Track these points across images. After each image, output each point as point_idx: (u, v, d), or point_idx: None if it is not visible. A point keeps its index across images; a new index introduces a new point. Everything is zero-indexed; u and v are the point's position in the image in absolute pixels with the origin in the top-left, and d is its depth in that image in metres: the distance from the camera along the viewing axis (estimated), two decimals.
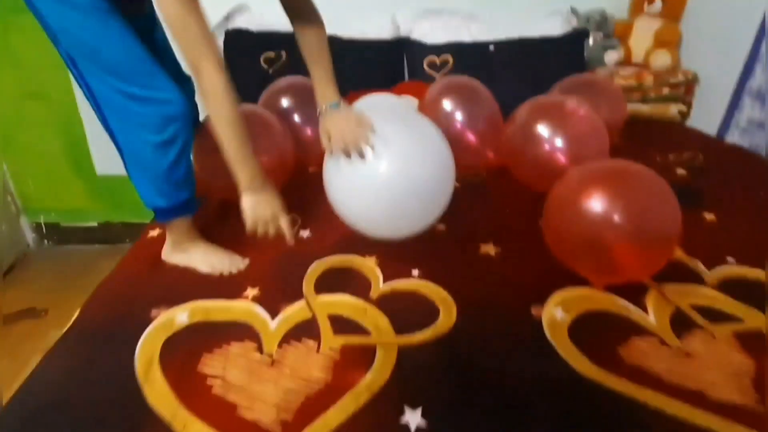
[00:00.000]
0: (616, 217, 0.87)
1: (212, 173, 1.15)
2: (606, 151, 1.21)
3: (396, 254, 1.06)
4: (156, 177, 0.98)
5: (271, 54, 1.74)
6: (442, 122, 1.43)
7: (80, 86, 0.94)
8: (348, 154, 0.91)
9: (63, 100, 1.94)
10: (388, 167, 0.89)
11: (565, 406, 0.70)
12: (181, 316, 0.87)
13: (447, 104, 1.45)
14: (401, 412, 0.67)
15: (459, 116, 1.44)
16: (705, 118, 1.81)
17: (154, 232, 1.16)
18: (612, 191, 0.89)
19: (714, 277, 0.97)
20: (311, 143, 1.49)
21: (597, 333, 0.84)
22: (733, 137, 1.66)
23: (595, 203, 0.89)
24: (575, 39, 1.83)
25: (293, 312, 0.88)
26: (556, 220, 0.96)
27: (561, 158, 1.18)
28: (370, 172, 0.90)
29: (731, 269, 0.99)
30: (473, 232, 1.15)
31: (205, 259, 1.04)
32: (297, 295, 0.93)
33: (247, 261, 1.05)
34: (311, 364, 0.75)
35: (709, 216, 1.19)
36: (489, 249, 1.08)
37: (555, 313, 0.88)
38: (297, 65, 1.63)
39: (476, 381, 0.74)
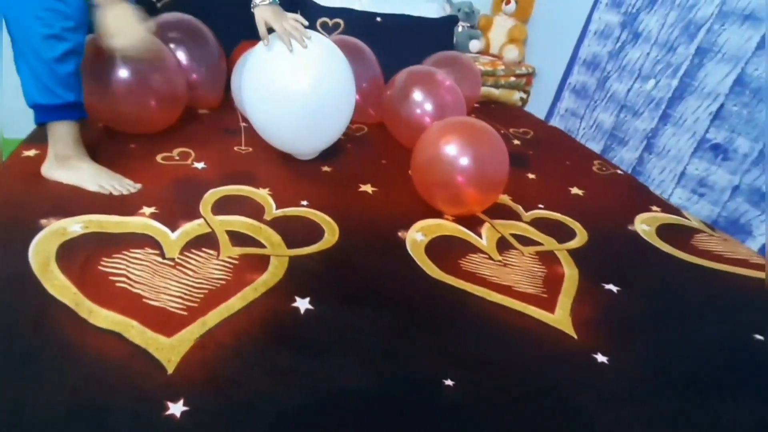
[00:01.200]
0: (463, 163, 1.12)
1: (100, 99, 1.13)
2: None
3: (287, 188, 1.19)
4: (41, 69, 0.94)
5: None
6: None
7: None
8: (290, 39, 1.11)
9: None
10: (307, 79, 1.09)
11: (418, 298, 0.93)
12: (74, 226, 0.88)
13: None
14: (293, 300, 0.82)
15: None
16: (538, 104, 2.25)
17: (30, 152, 1.10)
18: (462, 142, 1.14)
19: (529, 216, 1.31)
20: (200, 85, 1.50)
21: (445, 250, 1.09)
22: (555, 121, 2.11)
23: (449, 150, 1.13)
24: (447, 23, 2.10)
25: (192, 227, 0.96)
26: (419, 163, 1.18)
27: (428, 120, 1.42)
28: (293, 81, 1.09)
29: (541, 212, 1.34)
30: (355, 175, 1.33)
31: (93, 177, 1.03)
32: (194, 215, 1.00)
33: (139, 186, 1.07)
34: (212, 267, 0.85)
35: (532, 176, 1.55)
36: (367, 188, 1.27)
37: (416, 237, 1.11)
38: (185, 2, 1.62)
39: (353, 281, 0.93)
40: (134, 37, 1.02)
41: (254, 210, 1.07)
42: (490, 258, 1.10)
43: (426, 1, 2.19)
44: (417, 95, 1.46)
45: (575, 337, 0.87)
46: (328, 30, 1.86)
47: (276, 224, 1.04)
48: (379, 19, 1.93)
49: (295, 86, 1.11)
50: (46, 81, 0.94)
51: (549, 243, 1.20)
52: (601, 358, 0.83)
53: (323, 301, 0.84)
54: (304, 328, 0.77)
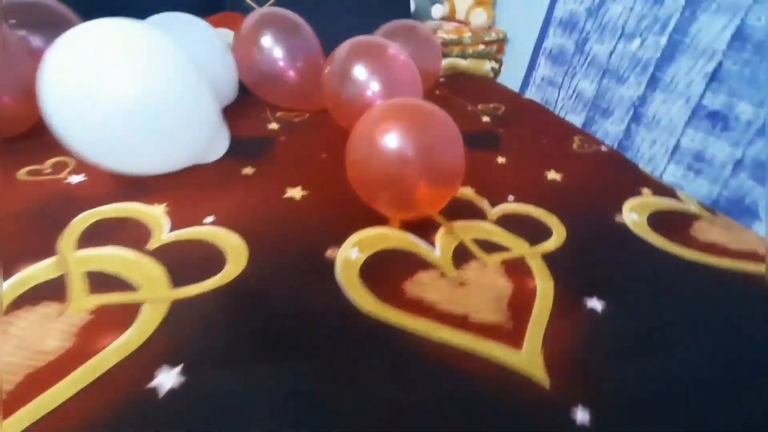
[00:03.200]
0: (409, 154, 0.89)
1: None
2: (419, 98, 1.24)
3: (190, 201, 0.95)
4: None
5: None
6: (258, 58, 1.32)
7: None
8: None
9: None
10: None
11: (341, 347, 0.71)
12: None
13: (265, 39, 1.34)
14: (151, 377, 0.60)
15: (278, 52, 1.35)
16: (512, 75, 2.00)
17: None
18: (403, 128, 0.91)
19: (495, 213, 1.08)
20: None
21: (386, 270, 0.87)
22: (531, 92, 1.87)
23: (389, 139, 0.89)
24: None
25: (36, 272, 0.72)
26: (355, 156, 0.95)
27: (376, 101, 1.18)
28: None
29: (510, 206, 1.12)
30: (283, 176, 1.09)
31: None
32: (48, 251, 0.77)
33: None
34: (47, 332, 0.63)
35: (501, 160, 1.32)
36: (295, 193, 1.04)
37: (350, 254, 0.88)
38: None
39: (252, 327, 0.70)
40: None
41: (137, 236, 0.84)
42: (444, 275, 0.88)
43: None
44: (360, 72, 1.21)
45: (547, 385, 0.66)
46: (259, 2, 1.59)
47: (162, 254, 0.81)
48: None
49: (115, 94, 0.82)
50: None
51: (518, 247, 0.98)
52: (581, 414, 0.62)
53: (201, 366, 0.62)
54: (167, 414, 0.55)
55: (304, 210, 0.99)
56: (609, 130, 1.51)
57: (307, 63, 1.38)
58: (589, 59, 1.57)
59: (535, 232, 1.02)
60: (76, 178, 0.95)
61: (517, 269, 0.91)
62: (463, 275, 0.88)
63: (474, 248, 0.95)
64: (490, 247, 0.97)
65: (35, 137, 1.02)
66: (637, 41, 1.41)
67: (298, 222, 0.95)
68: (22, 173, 0.95)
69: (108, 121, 0.78)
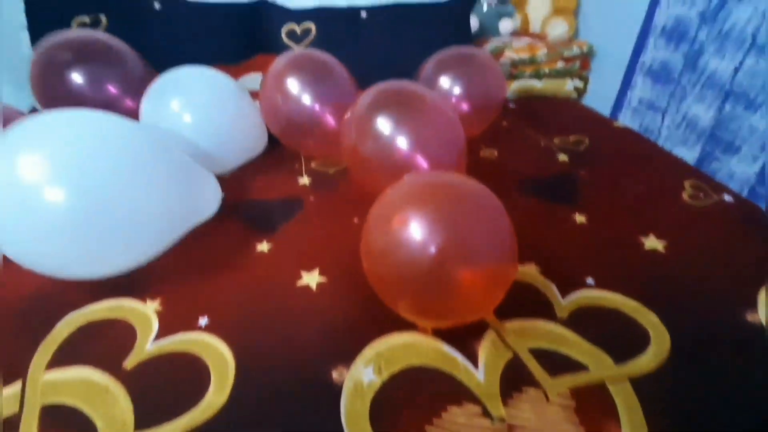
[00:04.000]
0: (437, 248, 0.67)
1: None
2: (461, 159, 1.00)
3: (189, 294, 0.82)
4: None
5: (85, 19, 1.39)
6: (285, 105, 1.19)
7: None
8: None
9: None
10: None
11: None
12: None
13: (292, 83, 1.20)
14: None
15: (307, 97, 1.19)
16: (601, 95, 1.67)
17: None
18: (433, 213, 0.69)
19: (567, 306, 0.82)
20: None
21: (407, 402, 0.66)
22: (626, 118, 1.52)
23: (411, 230, 0.68)
24: (459, 7, 1.60)
25: None
26: (371, 248, 0.75)
27: (406, 163, 0.96)
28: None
29: (588, 295, 0.84)
30: (302, 254, 0.93)
31: None
32: (19, 372, 0.68)
33: None
34: None
35: (580, 218, 1.04)
36: (312, 279, 0.87)
37: (362, 377, 0.69)
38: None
39: None
40: None
41: (118, 347, 0.72)
42: (487, 413, 0.65)
43: None
44: (384, 126, 0.95)
45: None
46: (296, 39, 1.47)
47: (139, 374, 0.68)
48: (364, 14, 1.49)
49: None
50: None
51: (597, 364, 0.71)
52: None
53: None
54: None
55: (316, 306, 0.81)
56: (736, 171, 1.14)
57: (340, 108, 1.21)
58: (704, 78, 1.20)
59: (624, 339, 0.74)
60: None
61: (593, 405, 0.65)
62: (514, 416, 0.64)
63: (533, 366, 0.71)
64: (555, 363, 0.71)
65: None
66: None
67: (307, 324, 0.78)
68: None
69: (41, 225, 0.68)
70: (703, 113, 1.22)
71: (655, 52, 1.39)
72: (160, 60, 1.25)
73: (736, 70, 1.13)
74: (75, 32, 1.16)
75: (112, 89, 1.12)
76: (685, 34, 1.29)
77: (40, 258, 0.72)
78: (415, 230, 0.67)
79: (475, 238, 0.69)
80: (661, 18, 1.36)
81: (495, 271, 0.71)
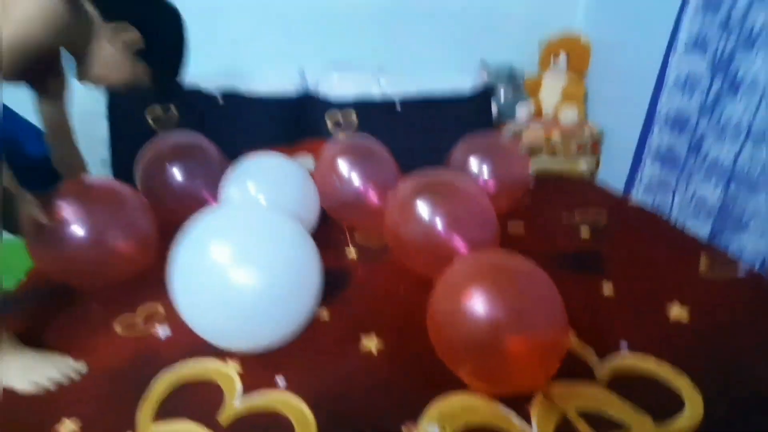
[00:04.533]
0: (502, 320, 0.77)
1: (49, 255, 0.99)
2: (495, 237, 1.11)
3: (263, 356, 0.92)
4: None
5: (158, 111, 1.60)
6: (337, 183, 1.34)
7: None
8: None
9: None
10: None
11: None
12: None
13: (342, 165, 1.37)
14: None
15: (355, 178, 1.36)
16: (613, 173, 1.82)
17: None
18: (495, 290, 0.80)
19: (606, 369, 0.90)
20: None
21: None
22: (638, 194, 1.66)
23: (477, 303, 0.79)
24: (482, 97, 1.81)
25: None
26: (438, 318, 0.86)
27: (446, 243, 1.06)
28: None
29: (624, 359, 0.92)
30: (359, 321, 1.03)
31: (24, 372, 0.85)
32: (128, 424, 0.77)
33: (81, 367, 0.89)
34: None
35: (608, 288, 1.14)
36: (371, 344, 0.96)
37: None
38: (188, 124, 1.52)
39: None
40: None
41: (208, 403, 0.81)
42: None
43: (458, 71, 1.93)
44: (424, 211, 1.07)
45: None
46: (339, 128, 1.67)
47: (233, 429, 0.77)
48: (398, 105, 1.69)
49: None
50: None
51: (640, 425, 0.78)
52: None
53: None
54: None
55: (380, 369, 0.91)
56: (746, 246, 1.25)
57: (384, 187, 1.36)
58: (708, 162, 1.36)
59: (660, 401, 0.82)
60: (163, 331, 0.98)
61: None
62: None
63: (582, 427, 0.78)
64: (601, 423, 0.79)
65: (133, 280, 1.10)
66: None
67: (373, 386, 0.86)
68: (118, 325, 1.01)
69: (232, 307, 0.83)
70: (710, 193, 1.36)
71: (661, 137, 1.56)
72: (224, 144, 1.44)
73: (737, 156, 1.28)
74: (175, 136, 1.36)
75: (200, 179, 1.31)
76: (686, 123, 1.47)
77: (224, 332, 0.86)
78: (479, 304, 0.78)
79: (532, 311, 0.79)
80: (663, 107, 1.54)
81: (551, 340, 0.81)
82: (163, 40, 1.02)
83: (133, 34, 0.95)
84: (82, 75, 0.99)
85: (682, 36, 1.45)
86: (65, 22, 0.85)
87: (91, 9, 0.93)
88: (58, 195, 1.01)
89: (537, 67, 2.06)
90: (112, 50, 0.95)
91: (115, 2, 0.95)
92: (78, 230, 0.99)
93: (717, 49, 1.34)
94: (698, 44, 1.41)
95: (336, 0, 1.86)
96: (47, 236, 0.97)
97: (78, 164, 1.22)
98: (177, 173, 1.31)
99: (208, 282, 0.82)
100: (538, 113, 2.00)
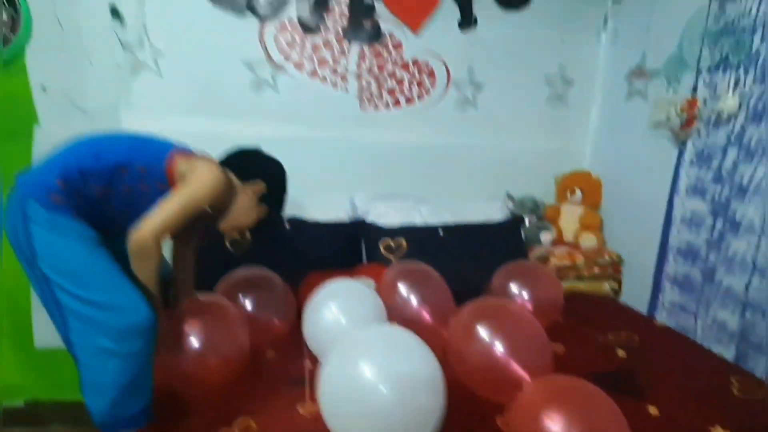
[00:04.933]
0: None
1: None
2: (549, 359, 1.25)
3: None
4: (111, 388, 0.97)
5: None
6: (398, 304, 1.52)
7: (44, 300, 1.05)
8: None
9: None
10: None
11: None
12: None
13: (402, 288, 1.57)
14: None
15: (413, 299, 1.54)
16: (635, 294, 2.00)
17: None
18: (571, 415, 0.93)
19: None
20: (268, 327, 1.52)
21: None
22: (662, 316, 1.82)
23: (556, 428, 0.92)
24: (513, 224, 2.08)
25: None
26: None
27: (508, 366, 1.19)
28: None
29: None
30: None
31: None
32: None
33: None
34: None
35: (653, 410, 1.24)
36: None
37: None
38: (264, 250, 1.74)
39: None
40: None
41: None
42: None
43: (487, 200, 2.22)
44: (484, 334, 1.23)
45: None
46: (391, 252, 1.89)
47: None
48: (441, 232, 1.94)
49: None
50: (115, 397, 0.97)
51: None
52: None
53: None
54: None
55: None
56: None
57: (440, 307, 1.54)
58: (722, 290, 1.55)
59: None
60: None
61: None
62: None
63: None
64: None
65: (229, 391, 1.23)
66: None
67: None
68: None
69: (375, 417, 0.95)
70: (729, 318, 1.52)
71: (676, 266, 1.76)
72: (292, 264, 1.66)
73: (747, 285, 1.47)
74: (245, 270, 1.59)
75: (268, 309, 1.51)
76: (697, 255, 1.68)
77: None
78: (558, 429, 0.91)
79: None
80: (674, 240, 1.78)
81: None
82: (275, 185, 1.30)
83: (261, 186, 1.23)
84: (224, 225, 1.24)
85: (682, 183, 1.74)
86: (224, 189, 1.13)
87: (232, 175, 1.22)
88: (180, 312, 1.20)
89: (554, 197, 2.35)
90: (248, 202, 1.22)
91: (247, 168, 1.24)
92: (193, 342, 1.17)
93: (714, 196, 1.61)
94: (697, 190, 1.69)
95: (380, 140, 2.20)
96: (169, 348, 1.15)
97: (191, 288, 1.43)
98: (249, 303, 1.51)
99: (354, 395, 0.95)
100: (558, 239, 2.24)
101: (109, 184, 1.10)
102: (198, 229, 1.36)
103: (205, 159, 1.18)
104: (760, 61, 1.47)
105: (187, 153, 1.18)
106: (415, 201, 2.13)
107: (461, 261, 1.88)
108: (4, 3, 1.80)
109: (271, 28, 2.01)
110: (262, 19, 1.99)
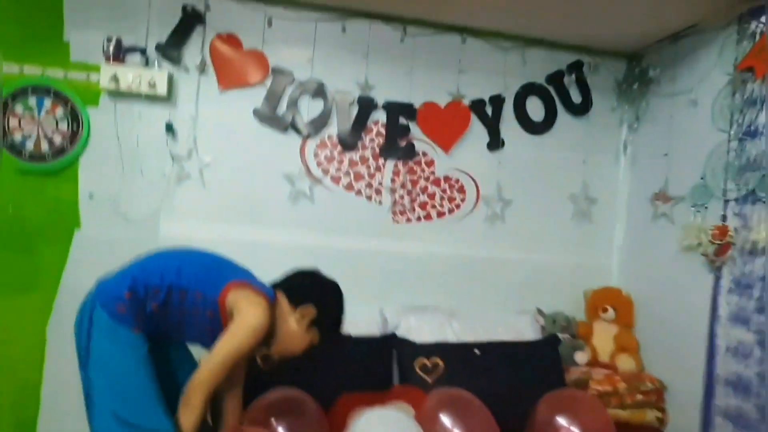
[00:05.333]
0: None
1: None
2: None
3: None
4: None
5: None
6: None
7: (85, 395, 1.13)
8: None
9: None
10: None
11: None
12: None
13: (445, 419, 1.48)
14: None
15: (456, 428, 1.45)
16: (682, 425, 1.88)
17: None
18: None
19: None
20: None
21: None
22: None
23: None
24: (550, 344, 2.02)
25: None
26: None
27: None
28: None
29: None
30: None
31: None
32: None
33: None
34: None
35: None
36: None
37: None
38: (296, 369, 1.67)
39: None
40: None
41: None
42: None
43: (517, 314, 2.18)
44: None
45: None
46: (427, 371, 1.81)
47: None
48: (477, 351, 1.88)
49: None
50: None
51: None
52: None
53: None
54: None
55: None
56: None
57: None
58: None
59: None
60: None
61: None
62: None
63: None
64: None
65: None
66: None
67: None
68: None
69: None
70: None
71: (726, 399, 1.68)
72: (322, 383, 1.58)
73: None
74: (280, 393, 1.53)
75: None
76: (748, 388, 1.61)
77: None
78: None
79: None
80: (721, 370, 1.71)
81: None
82: (331, 307, 1.28)
83: (311, 310, 1.21)
84: (272, 352, 1.21)
85: (722, 311, 1.72)
86: (271, 328, 1.13)
87: (282, 299, 1.21)
88: None
89: (583, 313, 2.31)
90: (297, 328, 1.19)
91: (305, 290, 1.24)
92: None
93: (759, 327, 1.58)
94: (740, 319, 1.66)
95: (411, 251, 2.22)
96: None
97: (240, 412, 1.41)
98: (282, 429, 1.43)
99: None
100: (593, 359, 2.16)
101: (166, 303, 1.16)
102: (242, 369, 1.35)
103: (252, 295, 1.16)
104: None
105: (242, 283, 1.18)
106: (445, 314, 2.09)
107: (500, 383, 1.79)
108: (68, 117, 1.93)
109: (312, 145, 2.13)
110: (304, 136, 2.12)
